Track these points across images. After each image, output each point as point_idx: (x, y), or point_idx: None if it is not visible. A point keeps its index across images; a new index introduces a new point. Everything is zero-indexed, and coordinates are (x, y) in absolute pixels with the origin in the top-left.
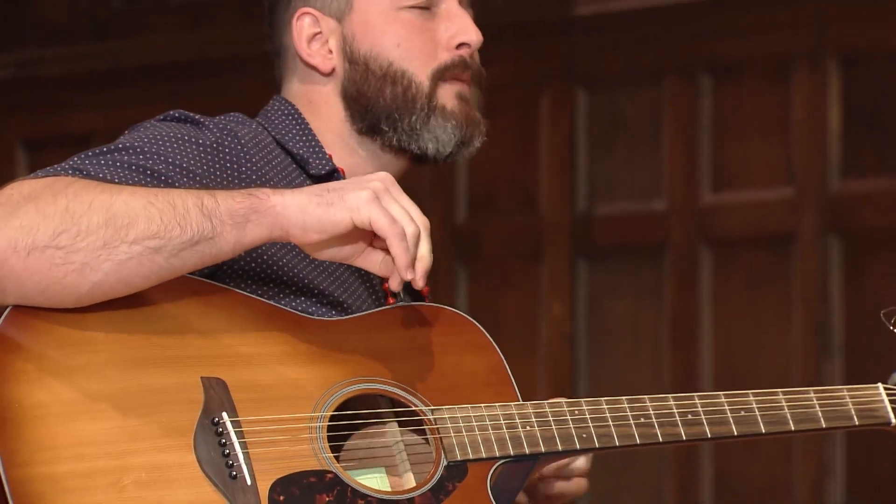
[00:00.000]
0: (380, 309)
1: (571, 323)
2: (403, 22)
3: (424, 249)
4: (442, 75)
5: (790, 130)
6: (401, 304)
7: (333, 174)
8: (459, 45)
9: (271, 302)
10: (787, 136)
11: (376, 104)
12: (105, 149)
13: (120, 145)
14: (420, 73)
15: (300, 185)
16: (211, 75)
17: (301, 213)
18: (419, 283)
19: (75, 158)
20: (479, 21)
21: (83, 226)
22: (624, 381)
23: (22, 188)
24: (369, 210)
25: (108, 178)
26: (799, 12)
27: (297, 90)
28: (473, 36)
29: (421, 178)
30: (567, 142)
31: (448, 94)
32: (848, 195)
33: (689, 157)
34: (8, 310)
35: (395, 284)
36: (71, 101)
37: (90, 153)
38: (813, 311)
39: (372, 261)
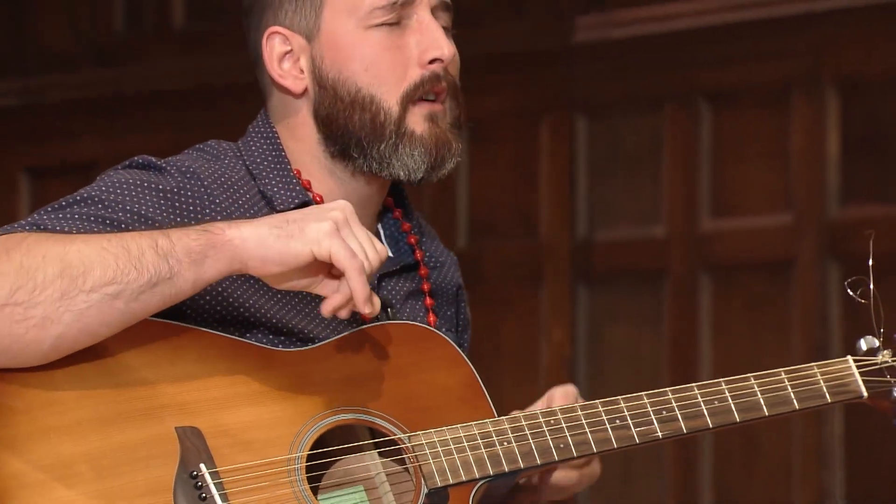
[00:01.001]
0: (347, 333)
1: (571, 348)
2: (372, 43)
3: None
4: (411, 97)
5: (789, 157)
6: (368, 325)
7: (306, 206)
8: (432, 61)
9: (238, 338)
10: (785, 163)
11: (346, 130)
12: (64, 202)
13: (79, 197)
14: (389, 97)
15: None
16: (212, 102)
17: (260, 246)
18: (368, 315)
19: (35, 214)
20: (478, 52)
21: (39, 279)
22: None
23: None
24: (330, 243)
25: (67, 230)
26: (796, 40)
27: (275, 108)
28: (446, 50)
29: (421, 203)
30: (567, 168)
31: (417, 119)
32: (846, 221)
33: (689, 183)
34: None
35: (344, 314)
36: (74, 129)
37: (50, 208)
38: (812, 335)
39: (329, 288)
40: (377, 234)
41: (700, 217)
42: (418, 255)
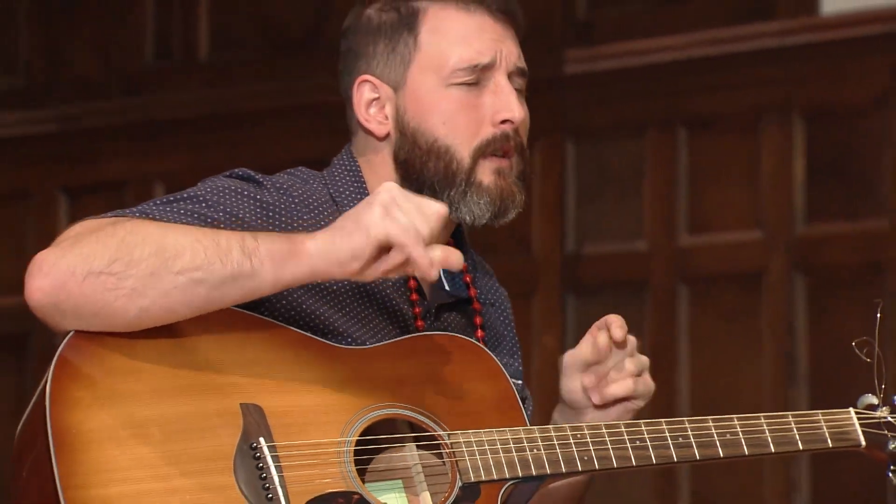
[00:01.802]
0: (402, 338)
1: (561, 354)
2: (451, 99)
3: (437, 251)
4: (483, 152)
5: (759, 179)
6: (422, 333)
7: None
8: (504, 121)
9: (303, 332)
10: (756, 185)
11: (421, 174)
12: (172, 198)
13: (185, 195)
14: (462, 149)
15: None
16: (232, 127)
17: (332, 251)
18: (432, 279)
19: (144, 205)
20: None
21: (135, 255)
22: None
23: (88, 224)
24: (383, 226)
25: (169, 221)
26: (768, 73)
27: (359, 146)
28: (517, 113)
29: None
30: (557, 189)
31: (486, 171)
32: (812, 237)
33: (668, 202)
34: (67, 337)
35: (432, 275)
36: (106, 152)
37: (158, 201)
38: (781, 342)
39: (406, 266)
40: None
41: (679, 233)
42: (472, 291)
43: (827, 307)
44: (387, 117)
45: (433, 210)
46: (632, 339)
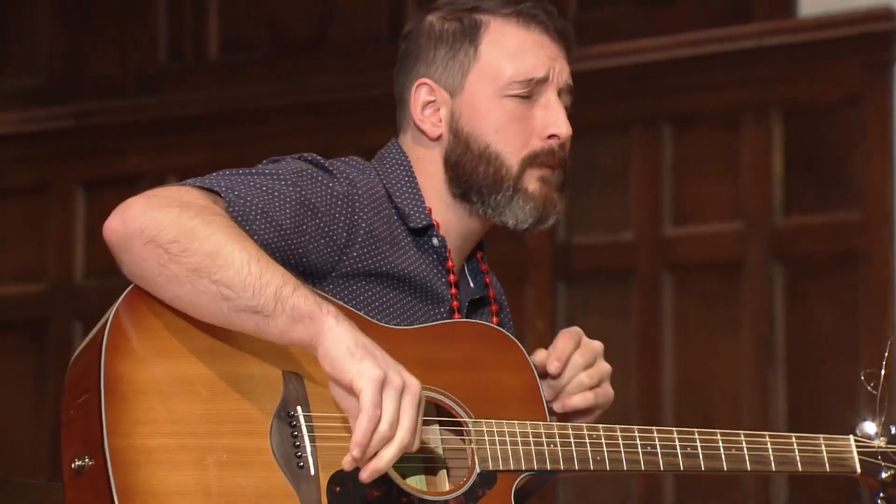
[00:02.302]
0: (441, 322)
1: (552, 337)
2: (504, 110)
3: (385, 457)
4: (531, 161)
5: (739, 173)
6: (460, 320)
7: (429, 229)
8: (551, 136)
9: (346, 306)
10: (736, 178)
11: (470, 177)
12: (254, 170)
13: (267, 171)
14: (512, 157)
15: (400, 235)
16: (241, 124)
17: (333, 345)
18: (347, 467)
19: (227, 175)
20: None
21: (193, 247)
22: None
23: (184, 194)
24: (366, 384)
25: (255, 200)
26: (747, 72)
27: (409, 143)
28: (564, 129)
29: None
30: None
31: (532, 178)
32: (789, 228)
33: (653, 195)
34: (125, 293)
35: (345, 462)
36: (122, 147)
37: (240, 172)
38: (759, 327)
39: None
40: (465, 273)
41: (663, 224)
42: (491, 292)
43: (803, 294)
44: (441, 120)
45: (413, 438)
46: (595, 348)
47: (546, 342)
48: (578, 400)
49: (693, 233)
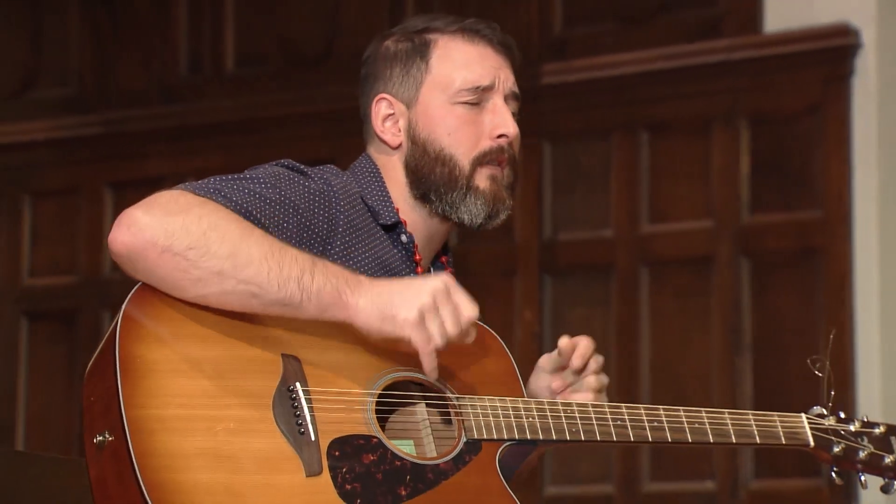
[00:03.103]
0: None
1: (539, 326)
2: (455, 115)
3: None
4: (481, 161)
5: (710, 176)
6: None
7: (398, 225)
8: (499, 136)
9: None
10: (707, 180)
11: (428, 178)
12: (237, 176)
13: (248, 175)
14: (464, 158)
15: (373, 230)
16: (255, 131)
17: (368, 319)
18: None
19: (213, 180)
20: None
21: (212, 250)
22: None
23: (179, 199)
24: (412, 332)
25: (239, 201)
26: (717, 83)
27: (375, 153)
28: (511, 129)
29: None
30: (536, 184)
31: (483, 177)
32: (755, 226)
33: (631, 196)
34: (134, 289)
35: (432, 377)
36: (146, 152)
37: (224, 178)
38: (728, 317)
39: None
40: (430, 270)
41: (640, 222)
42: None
43: (767, 286)
44: (400, 130)
45: (466, 317)
46: (599, 359)
47: (533, 331)
48: (581, 399)
49: (667, 230)
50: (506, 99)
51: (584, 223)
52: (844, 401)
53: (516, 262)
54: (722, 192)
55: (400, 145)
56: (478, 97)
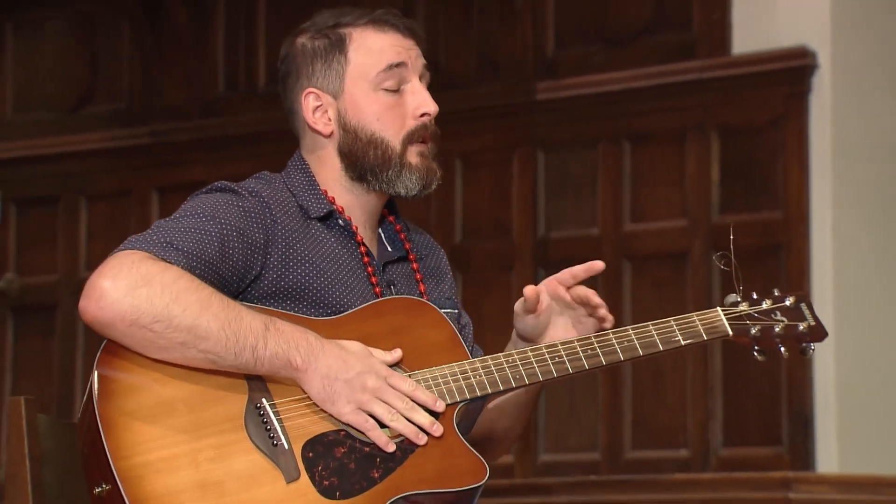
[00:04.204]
0: (366, 304)
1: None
2: (380, 101)
3: (417, 422)
4: (409, 139)
5: (684, 180)
6: (382, 299)
7: (332, 214)
8: (422, 115)
9: (290, 312)
10: (682, 185)
11: (363, 161)
12: (178, 215)
13: (188, 213)
14: (394, 139)
15: (310, 227)
16: (283, 142)
17: (311, 390)
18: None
19: (160, 230)
20: (467, 106)
21: (174, 323)
22: None
23: (140, 267)
24: (350, 414)
25: (190, 250)
26: (690, 99)
27: (308, 146)
28: (431, 107)
29: (429, 213)
30: (531, 188)
31: (413, 154)
32: (724, 225)
33: (615, 199)
34: (101, 349)
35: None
36: (188, 160)
37: (170, 223)
38: (700, 304)
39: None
40: (379, 237)
41: (623, 222)
42: (407, 246)
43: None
44: (330, 119)
45: (406, 390)
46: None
47: None
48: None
49: (647, 229)
50: (420, 77)
51: (574, 223)
52: (802, 381)
53: (514, 258)
54: (695, 196)
55: (332, 133)
56: (396, 81)
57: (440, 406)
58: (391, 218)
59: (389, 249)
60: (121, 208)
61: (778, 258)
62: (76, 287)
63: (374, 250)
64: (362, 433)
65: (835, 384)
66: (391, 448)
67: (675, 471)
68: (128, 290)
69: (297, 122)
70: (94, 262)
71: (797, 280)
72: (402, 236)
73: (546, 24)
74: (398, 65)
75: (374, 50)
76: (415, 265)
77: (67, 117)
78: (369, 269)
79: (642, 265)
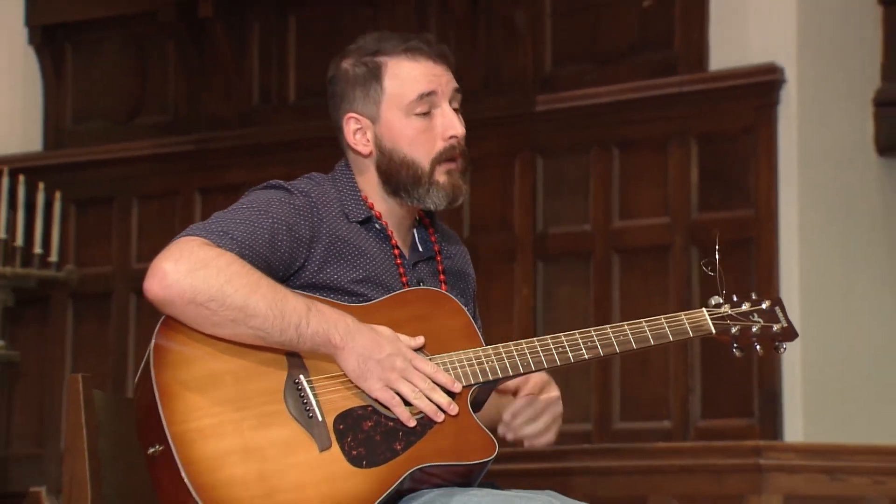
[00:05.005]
0: (393, 294)
1: (533, 300)
2: (413, 126)
3: (439, 402)
4: (438, 160)
5: (667, 182)
6: (408, 289)
7: (371, 218)
8: (450, 137)
9: (323, 297)
10: (665, 186)
11: (397, 179)
12: (234, 207)
13: (244, 206)
14: (424, 160)
15: (351, 227)
16: (311, 149)
17: (347, 367)
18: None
19: (219, 220)
20: (475, 116)
21: (227, 302)
22: None
23: (199, 252)
24: (378, 394)
25: (244, 240)
26: (672, 111)
27: (351, 161)
28: (459, 130)
29: (441, 211)
30: (531, 189)
31: (441, 173)
32: (702, 222)
33: (606, 198)
34: (159, 324)
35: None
36: (228, 165)
37: (227, 215)
38: (681, 294)
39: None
40: (413, 239)
41: (613, 219)
42: (436, 248)
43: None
44: (369, 141)
45: (429, 372)
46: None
47: (529, 305)
48: (531, 430)
49: (634, 225)
50: (450, 100)
51: (569, 220)
52: (771, 361)
53: (515, 251)
54: (676, 196)
55: (371, 153)
56: (427, 106)
57: (457, 387)
58: (426, 221)
59: (421, 250)
60: (168, 207)
61: (749, 251)
62: (129, 277)
63: (406, 251)
64: (388, 409)
65: (800, 364)
66: (412, 423)
67: (659, 440)
68: (187, 272)
69: (341, 138)
70: (145, 255)
71: (766, 271)
72: (433, 238)
73: (544, 44)
74: (429, 93)
75: (407, 79)
76: (440, 266)
77: (121, 127)
78: (401, 268)
79: (630, 257)
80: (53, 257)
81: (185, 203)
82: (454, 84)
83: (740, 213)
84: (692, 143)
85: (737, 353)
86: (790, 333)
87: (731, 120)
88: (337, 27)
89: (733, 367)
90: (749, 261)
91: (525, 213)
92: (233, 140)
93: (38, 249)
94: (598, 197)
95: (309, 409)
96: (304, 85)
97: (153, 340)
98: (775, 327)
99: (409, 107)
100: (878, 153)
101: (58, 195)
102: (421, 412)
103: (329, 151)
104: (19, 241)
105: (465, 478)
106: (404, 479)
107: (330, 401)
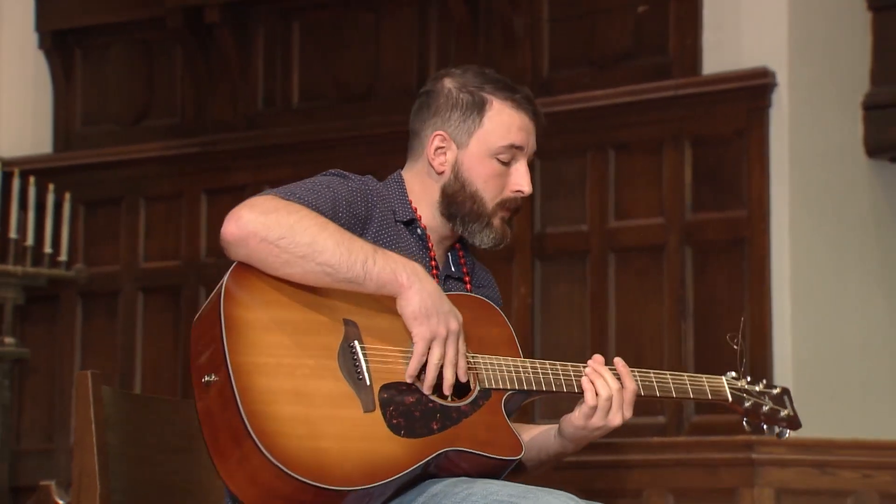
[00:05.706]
0: (448, 293)
1: (531, 298)
2: (492, 168)
3: (445, 371)
4: (501, 206)
5: (661, 183)
6: (456, 293)
7: (414, 221)
8: (517, 191)
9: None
10: (659, 187)
11: (460, 208)
12: (304, 182)
13: (309, 181)
14: (490, 201)
15: (396, 225)
16: (315, 151)
17: (407, 307)
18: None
19: (286, 187)
20: None
21: (297, 240)
22: (563, 335)
23: (271, 202)
24: (418, 341)
25: (310, 201)
26: (666, 114)
27: (415, 168)
28: (527, 189)
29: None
30: None
31: (498, 217)
32: (696, 222)
33: (602, 198)
34: (231, 268)
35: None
36: (233, 167)
37: (296, 184)
38: (675, 291)
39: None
40: (447, 259)
41: (608, 219)
42: (465, 270)
43: (706, 268)
44: (446, 162)
45: (458, 369)
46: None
47: (527, 302)
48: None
49: (629, 225)
50: (529, 159)
51: (566, 220)
52: (763, 358)
53: (514, 250)
54: (671, 196)
55: (443, 173)
56: (510, 156)
57: (463, 379)
58: (457, 245)
59: (453, 269)
60: (175, 208)
61: (742, 250)
62: (136, 276)
63: (440, 264)
64: (420, 384)
65: (791, 360)
66: (409, 380)
67: (655, 434)
68: (261, 214)
69: (418, 146)
70: (152, 254)
71: (758, 270)
72: (463, 262)
73: (542, 49)
74: (517, 147)
75: (505, 125)
76: (468, 286)
77: (129, 130)
78: (436, 278)
79: (625, 256)
80: (63, 257)
81: (191, 204)
82: (535, 147)
83: (733, 214)
84: (686, 146)
85: (746, 426)
86: (794, 422)
87: (724, 122)
88: (339, 33)
89: (726, 364)
90: (741, 260)
91: (523, 214)
92: (238, 142)
93: (48, 249)
94: (595, 198)
95: (360, 373)
96: (308, 89)
97: (224, 281)
98: (782, 413)
99: (496, 150)
100: (868, 155)
101: (67, 196)
102: (420, 374)
103: (334, 154)
104: (30, 240)
105: (490, 473)
106: (438, 456)
107: (379, 369)
